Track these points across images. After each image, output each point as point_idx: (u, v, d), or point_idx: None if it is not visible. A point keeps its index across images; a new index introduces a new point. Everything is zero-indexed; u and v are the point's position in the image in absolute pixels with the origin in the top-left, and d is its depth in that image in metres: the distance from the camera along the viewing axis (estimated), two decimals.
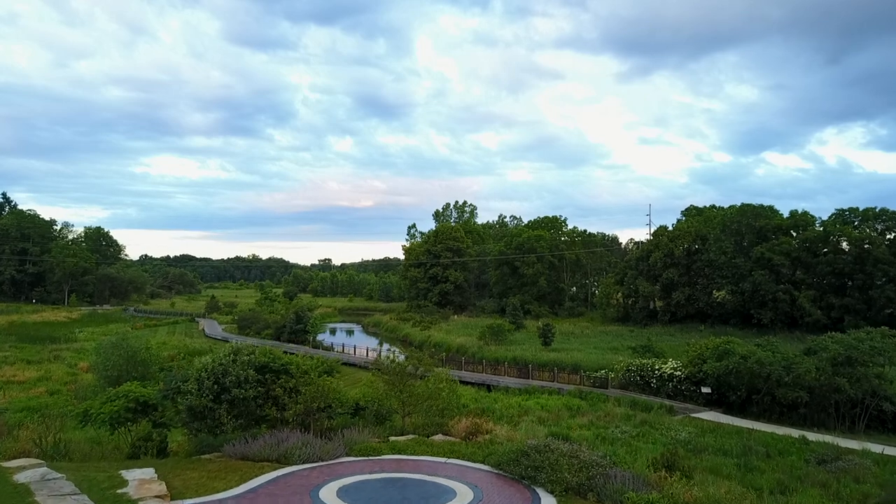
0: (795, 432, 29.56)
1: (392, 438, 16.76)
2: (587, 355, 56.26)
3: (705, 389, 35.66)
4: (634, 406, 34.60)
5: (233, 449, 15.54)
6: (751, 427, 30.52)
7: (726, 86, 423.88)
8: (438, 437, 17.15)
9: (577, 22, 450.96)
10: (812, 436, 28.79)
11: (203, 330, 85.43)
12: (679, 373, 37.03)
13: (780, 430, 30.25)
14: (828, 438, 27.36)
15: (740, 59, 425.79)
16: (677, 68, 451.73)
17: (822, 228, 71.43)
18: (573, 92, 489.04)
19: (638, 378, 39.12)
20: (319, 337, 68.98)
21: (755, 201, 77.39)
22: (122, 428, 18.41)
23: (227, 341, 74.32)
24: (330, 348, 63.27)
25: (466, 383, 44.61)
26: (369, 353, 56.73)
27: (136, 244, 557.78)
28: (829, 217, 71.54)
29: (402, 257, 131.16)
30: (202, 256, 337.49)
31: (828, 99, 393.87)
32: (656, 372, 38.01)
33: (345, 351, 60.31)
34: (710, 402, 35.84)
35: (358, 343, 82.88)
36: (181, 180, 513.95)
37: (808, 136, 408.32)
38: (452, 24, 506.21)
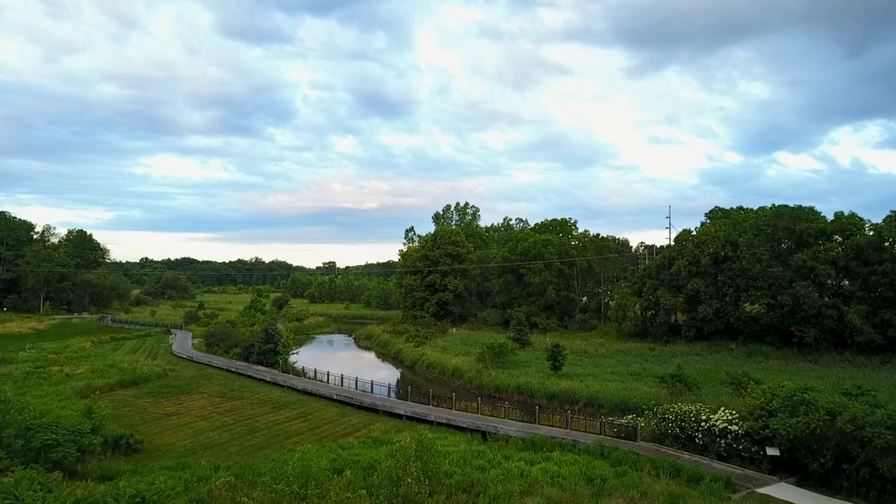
0: None
1: None
2: (605, 384, 47.45)
3: (772, 451, 26.61)
4: (678, 475, 25.69)
5: None
6: None
7: (739, 82, 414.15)
8: None
9: (586, 13, 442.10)
10: None
11: (172, 345, 76.73)
12: (735, 427, 27.90)
13: None
14: None
15: (754, 53, 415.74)
16: (689, 63, 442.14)
17: (871, 233, 62.05)
18: (581, 88, 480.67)
19: (677, 430, 30.07)
20: (292, 358, 59.91)
21: (764, 203, 68.14)
22: None
23: (192, 360, 65.75)
24: (301, 373, 54.27)
25: (457, 428, 36.13)
26: (343, 381, 47.79)
27: (142, 246, 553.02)
28: (884, 220, 62.11)
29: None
30: (206, 259, 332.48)
31: (845, 95, 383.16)
32: (703, 424, 28.89)
33: (317, 377, 51.29)
34: (779, 467, 26.82)
35: (347, 358, 74.32)
36: (183, 181, 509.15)
37: (822, 136, 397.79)
38: (455, 15, 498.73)
